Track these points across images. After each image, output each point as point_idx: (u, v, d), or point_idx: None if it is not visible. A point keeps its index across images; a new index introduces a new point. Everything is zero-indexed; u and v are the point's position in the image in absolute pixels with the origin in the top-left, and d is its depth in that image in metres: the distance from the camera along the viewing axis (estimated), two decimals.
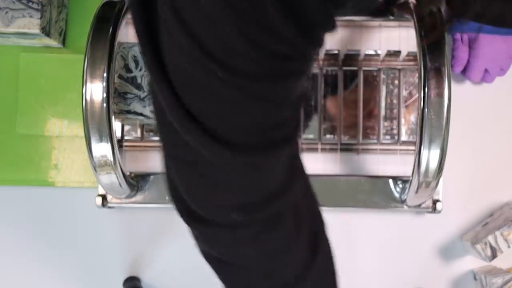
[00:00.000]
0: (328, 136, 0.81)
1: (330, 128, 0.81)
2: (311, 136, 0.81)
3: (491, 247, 0.77)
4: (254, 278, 0.54)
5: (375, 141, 0.81)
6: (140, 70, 0.72)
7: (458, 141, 0.83)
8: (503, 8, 0.74)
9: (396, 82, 0.82)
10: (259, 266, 0.53)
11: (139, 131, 0.81)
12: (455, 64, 0.80)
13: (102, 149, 0.67)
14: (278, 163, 0.49)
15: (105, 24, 0.68)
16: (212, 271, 0.57)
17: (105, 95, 0.66)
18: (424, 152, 0.66)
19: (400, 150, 0.82)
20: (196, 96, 0.43)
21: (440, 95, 0.65)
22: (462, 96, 0.84)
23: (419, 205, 0.79)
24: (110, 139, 0.67)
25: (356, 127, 0.81)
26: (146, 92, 0.72)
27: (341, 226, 0.83)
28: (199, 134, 0.44)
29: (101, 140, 0.67)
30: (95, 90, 0.66)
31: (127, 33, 0.83)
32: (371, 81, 0.82)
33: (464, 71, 0.81)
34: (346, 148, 0.82)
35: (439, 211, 0.79)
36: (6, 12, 0.76)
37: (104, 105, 0.66)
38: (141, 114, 0.72)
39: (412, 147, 0.81)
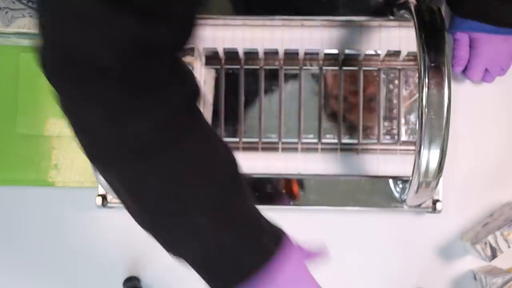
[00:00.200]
0: (328, 136, 0.81)
1: (330, 128, 0.81)
2: (311, 136, 0.82)
3: (491, 247, 0.77)
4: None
5: (375, 141, 0.81)
6: None
7: (458, 141, 0.83)
8: (503, 8, 0.74)
9: (396, 82, 0.82)
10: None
11: None
12: (456, 63, 0.80)
13: None
14: None
15: None
16: None
17: None
18: (424, 152, 0.66)
19: (400, 150, 0.82)
20: None
21: (440, 95, 0.65)
22: (462, 96, 0.84)
23: (419, 205, 0.79)
24: None
25: (356, 127, 0.81)
26: None
27: (341, 226, 0.83)
28: None
29: None
30: None
31: None
32: (371, 81, 0.82)
33: (465, 70, 0.81)
34: (346, 148, 0.82)
35: (439, 211, 0.79)
36: (6, 12, 0.76)
37: None
38: None
39: (412, 147, 0.81)
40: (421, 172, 0.67)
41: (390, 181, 0.80)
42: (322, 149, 0.82)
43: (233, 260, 0.52)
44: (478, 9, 0.77)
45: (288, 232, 0.58)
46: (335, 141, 0.82)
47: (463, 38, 0.80)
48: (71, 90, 0.48)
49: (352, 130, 0.81)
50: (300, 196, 0.80)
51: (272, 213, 0.84)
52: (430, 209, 0.79)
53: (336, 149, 0.82)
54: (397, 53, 0.80)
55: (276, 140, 0.82)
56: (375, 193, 0.80)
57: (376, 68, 0.82)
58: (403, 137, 0.81)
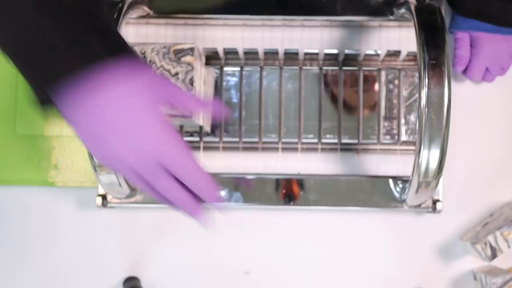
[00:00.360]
0: (328, 136, 0.81)
1: (330, 128, 0.81)
2: (311, 136, 0.82)
3: (491, 247, 0.77)
4: None
5: (375, 141, 0.81)
6: None
7: (458, 140, 0.83)
8: (504, 7, 0.74)
9: (396, 82, 0.82)
10: None
11: None
12: (457, 63, 0.80)
13: None
14: None
15: None
16: None
17: None
18: (424, 152, 0.66)
19: (400, 150, 0.82)
20: None
21: (440, 95, 0.65)
22: (462, 96, 0.84)
23: (419, 205, 0.79)
24: None
25: (356, 127, 0.81)
26: None
27: (341, 226, 0.84)
28: None
29: None
30: None
31: (127, 33, 0.83)
32: (371, 81, 0.82)
33: (465, 70, 0.81)
34: (346, 148, 0.82)
35: (439, 211, 0.79)
36: None
37: None
38: None
39: (412, 147, 0.81)
40: (421, 172, 0.67)
41: (390, 181, 0.80)
42: (322, 149, 0.82)
43: (49, 51, 0.46)
44: (479, 9, 0.77)
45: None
46: (335, 141, 0.82)
47: (464, 37, 0.80)
48: None
49: (352, 130, 0.81)
50: (300, 196, 0.80)
51: (272, 213, 0.84)
52: (430, 209, 0.79)
53: (336, 149, 0.82)
54: (397, 53, 0.80)
55: (276, 140, 0.82)
56: (375, 193, 0.80)
57: (376, 68, 0.82)
58: (403, 137, 0.81)
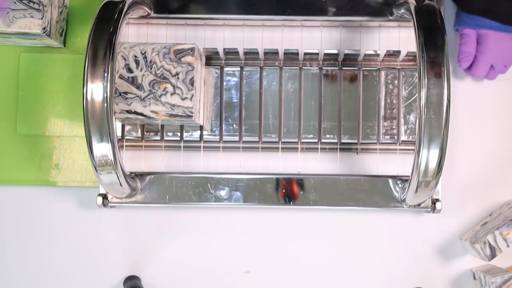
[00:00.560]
0: (328, 136, 0.82)
1: (330, 128, 0.82)
2: (311, 136, 0.82)
3: (490, 246, 0.77)
4: None
5: (375, 141, 0.82)
6: (141, 70, 0.72)
7: (458, 140, 0.83)
8: (510, 6, 0.74)
9: (396, 82, 0.82)
10: None
11: (139, 131, 0.82)
12: (462, 59, 0.80)
13: (102, 149, 0.68)
14: None
15: (106, 24, 0.69)
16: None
17: (105, 95, 0.66)
18: (424, 152, 0.66)
19: (400, 149, 0.82)
20: None
21: (440, 95, 0.65)
22: (461, 96, 0.84)
23: (419, 205, 0.79)
24: (110, 139, 0.67)
25: (356, 127, 0.82)
26: (146, 92, 0.72)
27: (341, 225, 0.84)
28: None
29: (101, 140, 0.67)
30: (96, 90, 0.66)
31: (128, 33, 0.83)
32: (371, 81, 0.82)
33: (470, 67, 0.81)
34: (346, 148, 0.82)
35: (439, 211, 0.79)
36: (7, 13, 0.76)
37: (105, 105, 0.66)
38: (142, 114, 0.72)
39: (412, 147, 0.81)
40: (421, 172, 0.67)
41: (390, 180, 0.80)
42: (322, 149, 0.83)
43: None
44: (486, 7, 0.77)
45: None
46: (335, 141, 0.82)
47: (471, 33, 0.79)
48: None
49: (351, 130, 0.82)
50: (300, 196, 0.80)
51: (272, 213, 0.85)
52: (430, 209, 0.80)
53: (336, 149, 0.82)
54: (396, 53, 0.80)
55: (276, 140, 0.82)
56: (375, 192, 0.80)
57: (375, 68, 0.82)
58: (403, 137, 0.81)
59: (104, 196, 0.80)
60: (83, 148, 0.84)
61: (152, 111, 0.72)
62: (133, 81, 0.72)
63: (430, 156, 0.66)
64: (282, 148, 0.82)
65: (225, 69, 0.82)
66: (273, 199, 0.80)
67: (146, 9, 0.80)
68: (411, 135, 0.81)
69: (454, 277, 0.84)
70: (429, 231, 0.84)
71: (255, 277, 0.84)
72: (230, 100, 0.82)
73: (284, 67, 0.82)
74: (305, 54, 0.80)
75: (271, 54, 0.81)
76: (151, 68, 0.72)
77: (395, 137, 0.82)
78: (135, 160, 0.83)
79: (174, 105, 0.72)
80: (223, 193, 0.80)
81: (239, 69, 0.82)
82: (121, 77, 0.72)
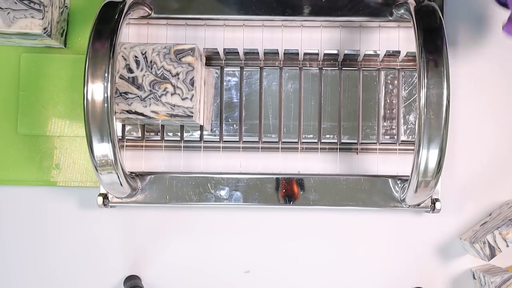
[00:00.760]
0: (328, 136, 0.82)
1: (330, 128, 0.82)
2: (311, 136, 0.82)
3: (489, 246, 0.77)
4: None
5: (375, 141, 0.82)
6: (141, 70, 0.72)
7: (457, 140, 0.84)
8: None
9: (396, 82, 0.82)
10: None
11: (139, 131, 0.82)
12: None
13: (103, 149, 0.68)
14: None
15: (106, 25, 0.69)
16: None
17: (106, 95, 0.66)
18: (423, 152, 0.66)
19: (400, 149, 0.82)
20: None
21: (439, 95, 0.65)
22: (461, 96, 0.84)
23: (418, 205, 0.80)
24: (111, 139, 0.67)
25: (356, 127, 0.82)
26: (147, 92, 0.72)
27: (341, 225, 0.84)
28: None
29: (102, 140, 0.67)
30: (96, 90, 0.66)
31: (128, 34, 0.83)
32: (371, 81, 0.82)
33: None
34: (346, 148, 0.82)
35: (438, 210, 0.79)
36: (8, 13, 0.76)
37: (105, 105, 0.66)
38: (142, 114, 0.72)
39: (412, 147, 0.82)
40: (420, 172, 0.67)
41: (390, 180, 0.80)
42: (322, 149, 0.83)
43: None
44: None
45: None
46: (335, 141, 0.82)
47: None
48: None
49: (351, 130, 0.82)
50: (300, 196, 0.80)
51: (272, 213, 0.85)
52: (429, 209, 0.80)
53: (336, 149, 0.83)
54: (396, 54, 0.81)
55: (276, 140, 0.82)
56: (375, 192, 0.80)
57: (375, 69, 0.82)
58: (402, 137, 0.82)
59: (105, 196, 0.80)
60: (84, 148, 0.84)
61: (153, 111, 0.72)
62: (133, 81, 0.72)
63: (429, 156, 0.66)
64: (282, 148, 0.83)
65: (225, 69, 0.82)
66: (273, 199, 0.81)
67: (147, 9, 0.80)
68: (410, 135, 0.82)
69: (454, 276, 0.84)
70: (428, 231, 0.84)
71: (255, 277, 0.84)
72: (230, 100, 0.82)
73: (284, 67, 0.82)
74: (305, 54, 0.81)
75: (271, 54, 0.81)
76: (151, 68, 0.72)
77: (395, 137, 0.82)
78: (136, 160, 0.83)
79: (174, 105, 0.72)
80: (223, 193, 0.81)
81: (239, 69, 0.82)
82: (121, 77, 0.72)
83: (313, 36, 0.83)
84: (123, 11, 0.71)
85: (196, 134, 0.82)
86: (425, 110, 0.65)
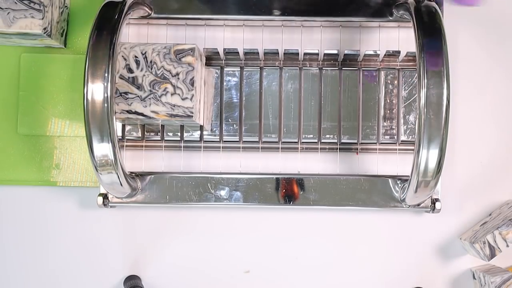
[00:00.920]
0: (327, 136, 0.82)
1: (330, 128, 0.82)
2: (311, 136, 0.82)
3: (489, 246, 0.77)
4: None
5: (375, 141, 0.82)
6: (141, 70, 0.72)
7: (457, 140, 0.84)
8: None
9: (395, 82, 0.82)
10: None
11: (140, 131, 0.82)
12: None
13: (103, 149, 0.68)
14: None
15: (106, 25, 0.69)
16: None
17: (106, 95, 0.66)
18: (423, 152, 0.66)
19: (399, 149, 0.82)
20: None
21: (439, 95, 0.65)
22: (461, 96, 0.84)
23: (418, 205, 0.80)
24: (111, 139, 0.67)
25: (355, 127, 0.82)
26: (147, 92, 0.72)
27: (341, 225, 0.84)
28: None
29: (102, 140, 0.67)
30: (96, 90, 0.66)
31: (128, 34, 0.83)
32: (371, 81, 0.82)
33: None
34: (346, 148, 0.82)
35: (438, 210, 0.79)
36: (8, 13, 0.76)
37: (105, 105, 0.66)
38: (142, 114, 0.72)
39: (412, 147, 0.82)
40: (420, 172, 0.67)
41: (390, 180, 0.80)
42: (322, 149, 0.83)
43: None
44: None
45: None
46: (335, 141, 0.82)
47: None
48: None
49: (351, 130, 0.82)
50: (300, 196, 0.81)
51: (272, 213, 0.85)
52: (429, 209, 0.80)
53: (336, 149, 0.83)
54: (396, 54, 0.81)
55: (276, 140, 0.82)
56: (375, 192, 0.80)
57: (375, 69, 0.82)
58: (402, 137, 0.82)
59: (105, 196, 0.80)
60: (84, 148, 0.84)
61: (153, 111, 0.72)
62: (133, 81, 0.72)
63: (429, 156, 0.66)
64: (282, 148, 0.83)
65: (225, 69, 0.82)
66: (273, 199, 0.81)
67: (147, 9, 0.80)
68: (410, 135, 0.82)
69: (454, 276, 0.84)
70: (428, 231, 0.84)
71: (255, 277, 0.84)
72: (230, 100, 0.82)
73: (284, 67, 0.82)
74: (305, 54, 0.81)
75: (271, 55, 0.81)
76: (151, 68, 0.72)
77: (395, 137, 0.82)
78: (136, 160, 0.83)
79: (174, 105, 0.72)
80: (223, 193, 0.81)
81: (239, 69, 0.82)
82: (121, 77, 0.72)
83: (313, 36, 0.83)
84: (123, 11, 0.71)
85: (196, 134, 0.82)
86: (425, 110, 0.65)
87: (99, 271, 0.84)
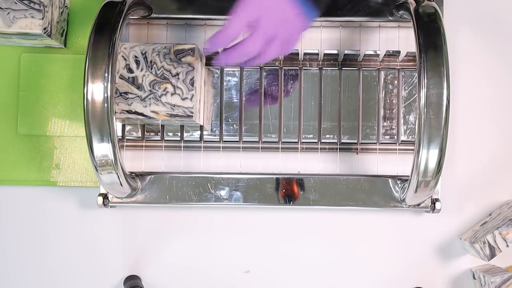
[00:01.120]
0: (327, 136, 0.82)
1: (330, 128, 0.82)
2: (311, 136, 0.82)
3: (489, 246, 0.77)
4: None
5: (375, 141, 0.82)
6: (141, 70, 0.72)
7: (457, 140, 0.84)
8: None
9: (395, 82, 0.82)
10: None
11: (140, 131, 0.82)
12: None
13: (103, 149, 0.68)
14: None
15: (106, 25, 0.69)
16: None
17: (106, 95, 0.66)
18: (423, 152, 0.66)
19: (399, 149, 0.82)
20: None
21: (439, 95, 0.65)
22: (461, 96, 0.84)
23: (418, 205, 0.80)
24: (111, 139, 0.67)
25: (356, 127, 0.82)
26: (147, 92, 0.72)
27: (341, 225, 0.84)
28: None
29: (102, 140, 0.67)
30: (96, 90, 0.66)
31: (128, 34, 0.83)
32: (370, 81, 0.82)
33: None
34: (346, 148, 0.82)
35: (438, 210, 0.79)
36: (8, 13, 0.76)
37: (105, 105, 0.66)
38: (142, 114, 0.72)
39: (411, 147, 0.82)
40: (420, 172, 0.67)
41: (390, 180, 0.80)
42: (322, 149, 0.83)
43: None
44: None
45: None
46: (335, 141, 0.82)
47: None
48: None
49: (351, 130, 0.82)
50: (300, 196, 0.81)
51: (272, 213, 0.85)
52: (429, 209, 0.80)
53: (336, 149, 0.83)
54: (396, 54, 0.81)
55: (276, 140, 0.82)
56: (375, 192, 0.80)
57: (375, 69, 0.82)
58: (402, 137, 0.82)
59: (105, 196, 0.80)
60: (84, 148, 0.84)
61: (153, 111, 0.72)
62: (133, 81, 0.72)
63: (429, 156, 0.66)
64: (282, 148, 0.83)
65: (225, 69, 0.82)
66: (273, 199, 0.81)
67: (147, 9, 0.80)
68: (410, 135, 0.82)
69: (454, 276, 0.84)
70: (428, 231, 0.84)
71: (255, 277, 0.84)
72: (230, 100, 0.82)
73: (284, 67, 0.82)
74: (305, 54, 0.81)
75: None
76: (151, 68, 0.72)
77: (395, 137, 0.82)
78: (136, 160, 0.83)
79: (174, 105, 0.72)
80: (223, 193, 0.81)
81: (239, 69, 0.82)
82: (121, 77, 0.72)
83: (313, 36, 0.83)
84: (123, 11, 0.71)
85: (196, 134, 0.82)
86: (425, 110, 0.65)
87: (99, 271, 0.84)
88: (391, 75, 0.82)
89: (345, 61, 0.82)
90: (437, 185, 0.70)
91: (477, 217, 0.84)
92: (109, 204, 0.80)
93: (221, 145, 0.83)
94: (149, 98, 0.72)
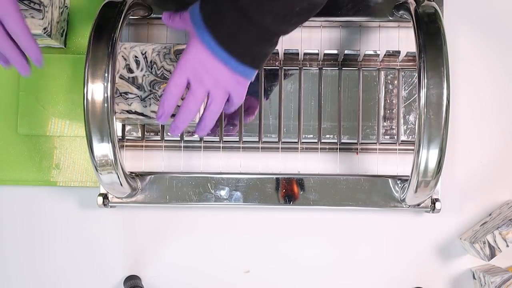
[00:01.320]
0: (327, 136, 0.82)
1: (330, 128, 0.82)
2: (311, 136, 0.82)
3: (489, 246, 0.77)
4: None
5: (375, 141, 0.82)
6: (141, 70, 0.72)
7: (457, 140, 0.84)
8: None
9: (395, 82, 0.82)
10: None
11: (140, 131, 0.82)
12: None
13: (103, 149, 0.68)
14: None
15: (106, 25, 0.69)
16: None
17: (106, 95, 0.66)
18: (423, 152, 0.66)
19: (399, 149, 0.82)
20: None
21: (439, 95, 0.65)
22: (461, 96, 0.84)
23: (418, 205, 0.80)
24: (111, 139, 0.67)
25: (356, 127, 0.82)
26: (147, 92, 0.72)
27: (341, 225, 0.84)
28: None
29: (102, 140, 0.67)
30: (96, 90, 0.66)
31: (128, 34, 0.83)
32: (370, 81, 0.82)
33: None
34: (346, 148, 0.82)
35: (438, 210, 0.79)
36: None
37: (105, 105, 0.66)
38: (142, 114, 0.72)
39: (412, 147, 0.82)
40: (420, 172, 0.67)
41: (390, 180, 0.80)
42: (322, 149, 0.83)
43: None
44: None
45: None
46: (335, 141, 0.82)
47: None
48: None
49: (351, 130, 0.82)
50: (300, 196, 0.81)
51: (272, 213, 0.85)
52: (429, 209, 0.80)
53: (336, 149, 0.83)
54: (396, 54, 0.81)
55: (276, 140, 0.82)
56: (375, 192, 0.80)
57: (375, 69, 0.82)
58: (402, 137, 0.82)
59: (105, 196, 0.80)
60: (84, 148, 0.84)
61: (153, 111, 0.72)
62: (133, 81, 0.72)
63: (429, 156, 0.66)
64: (282, 148, 0.83)
65: None
66: (273, 199, 0.81)
67: (147, 9, 0.80)
68: (410, 135, 0.82)
69: (454, 276, 0.84)
70: (428, 231, 0.84)
71: (255, 277, 0.84)
72: None
73: (284, 67, 0.82)
74: (305, 54, 0.81)
75: (271, 55, 0.81)
76: (151, 68, 0.72)
77: (395, 137, 0.82)
78: (136, 160, 0.83)
79: None
80: (223, 193, 0.81)
81: None
82: (121, 77, 0.72)
83: (313, 36, 0.83)
84: (123, 11, 0.71)
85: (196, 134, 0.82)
86: (425, 110, 0.65)
87: (99, 271, 0.84)
88: (391, 75, 0.82)
89: (345, 61, 0.82)
90: (437, 185, 0.70)
91: (477, 217, 0.84)
92: (109, 204, 0.80)
93: (221, 145, 0.83)
94: (149, 98, 0.72)
